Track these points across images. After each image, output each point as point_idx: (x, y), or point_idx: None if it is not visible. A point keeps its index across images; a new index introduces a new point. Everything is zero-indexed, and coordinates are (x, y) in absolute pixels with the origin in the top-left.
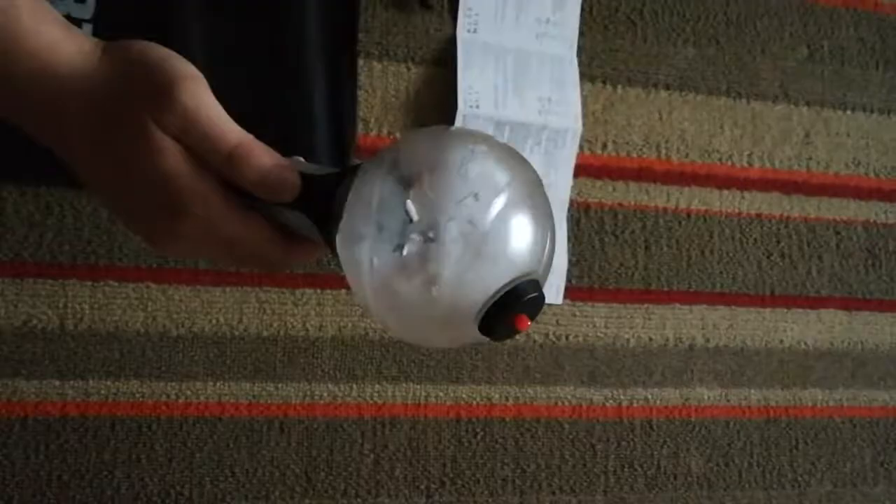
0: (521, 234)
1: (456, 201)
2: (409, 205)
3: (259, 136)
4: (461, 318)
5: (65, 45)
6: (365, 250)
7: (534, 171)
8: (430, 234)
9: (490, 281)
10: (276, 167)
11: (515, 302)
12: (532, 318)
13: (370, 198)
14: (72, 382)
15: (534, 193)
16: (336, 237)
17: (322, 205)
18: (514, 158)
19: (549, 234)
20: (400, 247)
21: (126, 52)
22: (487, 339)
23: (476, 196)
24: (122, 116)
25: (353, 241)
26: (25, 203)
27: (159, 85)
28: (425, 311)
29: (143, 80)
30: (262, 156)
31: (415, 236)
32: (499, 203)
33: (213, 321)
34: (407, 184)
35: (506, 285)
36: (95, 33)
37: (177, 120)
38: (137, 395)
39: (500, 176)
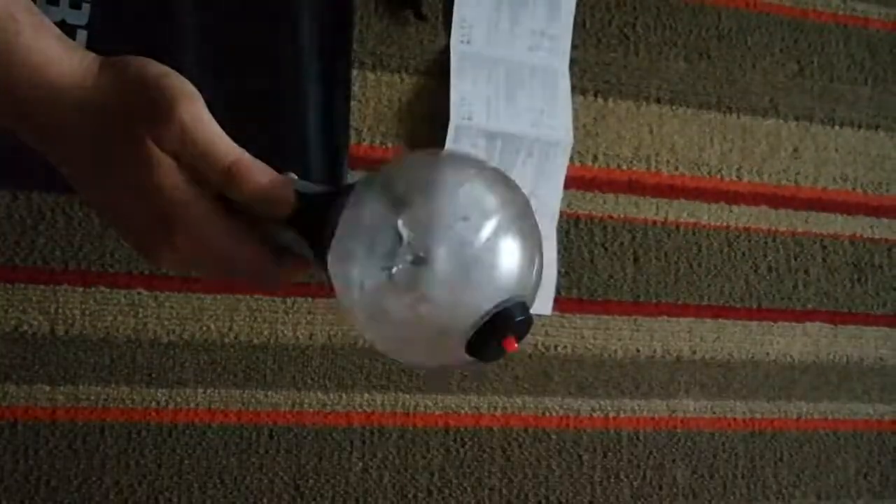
0: (510, 258)
1: (447, 224)
2: (401, 226)
3: (251, 145)
4: (449, 339)
5: (64, 60)
6: (355, 270)
7: (523, 196)
8: (421, 256)
9: (478, 303)
10: (272, 184)
11: (503, 324)
12: (520, 340)
13: (362, 218)
14: (62, 388)
15: (523, 217)
16: (327, 256)
17: (314, 223)
18: (504, 183)
19: (537, 258)
20: (390, 267)
21: (124, 68)
22: (475, 360)
23: (467, 219)
24: (119, 131)
25: (343, 260)
26: (17, 208)
27: (157, 102)
28: (413, 332)
29: (141, 96)
30: (259, 173)
31: (405, 257)
32: (489, 227)
33: (204, 328)
34: (399, 205)
35: (494, 308)
36: (90, 39)
37: (174, 137)
38: (127, 402)
39: (491, 200)
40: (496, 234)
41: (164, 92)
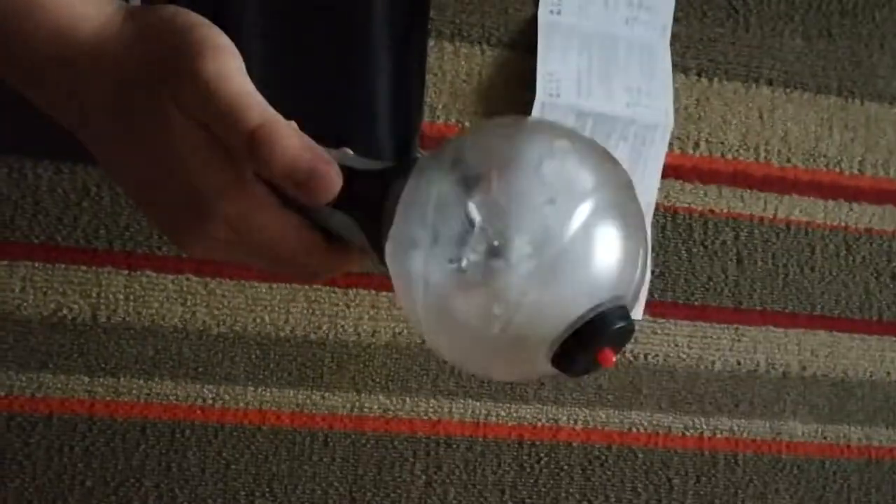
0: (608, 250)
1: (530, 207)
2: (474, 209)
3: (316, 121)
4: (531, 348)
5: (83, 5)
6: (419, 261)
7: (625, 174)
8: (498, 246)
9: (569, 306)
10: (311, 159)
11: (599, 333)
12: (618, 352)
13: (427, 200)
14: (101, 379)
15: (625, 201)
16: (385, 244)
17: (371, 205)
18: (601, 157)
19: (641, 251)
20: (460, 259)
21: (152, 18)
22: (561, 374)
23: (555, 202)
24: (139, 92)
25: (405, 249)
26: (61, 182)
27: (181, 56)
28: (486, 339)
29: (164, 50)
30: (293, 142)
31: (479, 247)
32: (582, 211)
33: (258, 320)
34: (472, 184)
35: (588, 312)
36: None
37: (196, 96)
38: (171, 398)
39: (586, 178)
40: (591, 220)
41: (191, 44)
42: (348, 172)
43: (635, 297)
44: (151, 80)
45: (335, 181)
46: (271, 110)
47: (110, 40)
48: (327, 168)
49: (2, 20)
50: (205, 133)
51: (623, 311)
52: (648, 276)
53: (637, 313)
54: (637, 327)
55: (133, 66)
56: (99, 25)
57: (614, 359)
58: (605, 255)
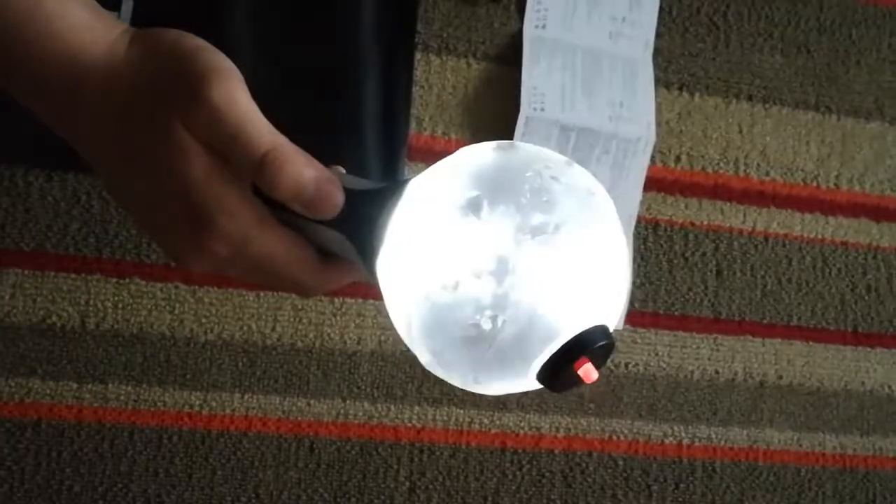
0: (591, 273)
1: (517, 232)
2: (463, 232)
3: (304, 132)
4: (516, 364)
5: (91, 29)
6: (408, 280)
7: (608, 200)
8: (485, 269)
9: (553, 325)
10: (317, 179)
11: (582, 350)
12: (599, 369)
13: (417, 221)
14: (90, 386)
15: (608, 226)
16: (376, 262)
17: (363, 224)
18: (586, 183)
19: (623, 273)
20: (448, 279)
21: (157, 42)
22: (545, 389)
23: (540, 227)
24: (145, 113)
25: (395, 267)
26: (51, 189)
27: (188, 80)
28: (473, 354)
29: (171, 73)
30: (300, 164)
31: (467, 268)
32: (567, 235)
33: (245, 328)
34: (460, 206)
35: (571, 331)
36: (137, 10)
37: (204, 119)
38: (159, 404)
39: (570, 204)
40: (576, 244)
41: (196, 68)
42: (344, 193)
43: (615, 316)
44: (157, 102)
45: (339, 199)
46: (276, 132)
47: (117, 64)
48: (332, 187)
49: (12, 46)
50: (208, 152)
51: (604, 330)
52: (629, 287)
53: (619, 323)
54: (618, 337)
55: (139, 89)
56: (106, 50)
57: (595, 375)
58: (588, 277)
